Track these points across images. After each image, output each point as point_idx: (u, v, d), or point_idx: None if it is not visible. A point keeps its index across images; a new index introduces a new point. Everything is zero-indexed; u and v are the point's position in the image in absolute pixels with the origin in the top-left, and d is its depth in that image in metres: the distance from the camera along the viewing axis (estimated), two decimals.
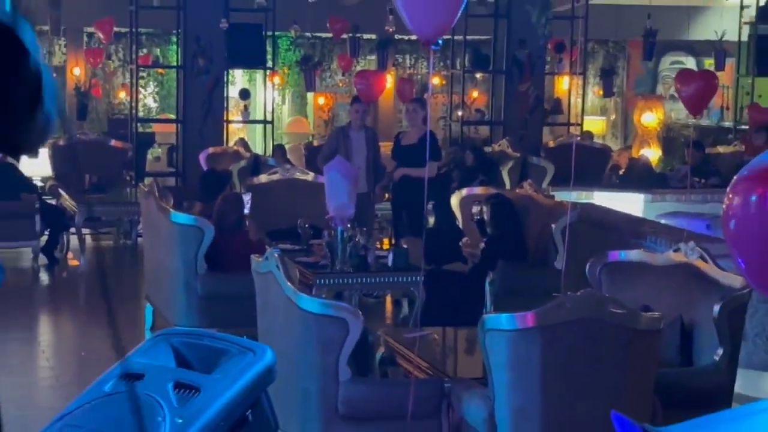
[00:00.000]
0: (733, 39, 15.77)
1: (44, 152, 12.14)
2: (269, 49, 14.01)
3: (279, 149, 13.08)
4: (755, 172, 3.20)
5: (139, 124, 14.88)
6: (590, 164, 12.48)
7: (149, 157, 14.69)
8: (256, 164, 11.14)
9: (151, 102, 17.34)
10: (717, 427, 2.44)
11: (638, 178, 12.51)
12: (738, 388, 5.68)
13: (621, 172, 13.37)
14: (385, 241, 8.78)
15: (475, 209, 8.48)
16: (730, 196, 3.29)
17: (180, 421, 3.15)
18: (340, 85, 18.46)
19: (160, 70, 16.63)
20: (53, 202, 11.48)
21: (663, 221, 8.72)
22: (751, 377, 6.40)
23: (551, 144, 13.64)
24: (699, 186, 11.06)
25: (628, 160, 14.20)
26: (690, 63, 17.33)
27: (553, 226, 7.86)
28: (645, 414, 4.86)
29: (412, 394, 5.04)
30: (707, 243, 6.21)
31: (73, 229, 11.36)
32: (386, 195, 10.26)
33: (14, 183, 10.06)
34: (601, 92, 18.49)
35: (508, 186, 10.97)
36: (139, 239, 10.71)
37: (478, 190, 9.06)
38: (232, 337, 3.63)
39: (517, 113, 14.00)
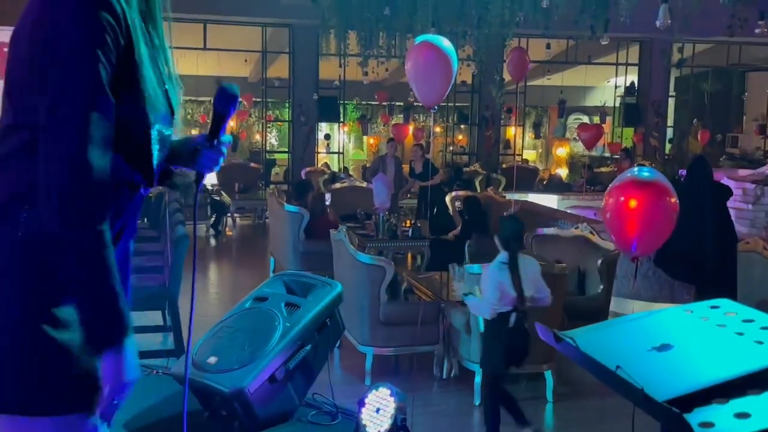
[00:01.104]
0: (610, 105, 18.67)
1: (214, 173, 14.40)
2: (341, 110, 16.55)
3: (346, 169, 15.52)
4: (619, 182, 3.98)
5: (266, 154, 17.67)
6: (526, 178, 14.53)
7: (273, 173, 16.88)
8: (333, 177, 12.76)
9: (273, 141, 19.58)
10: (601, 330, 2.32)
11: (554, 186, 14.74)
12: (611, 308, 6.10)
13: (544, 183, 15.70)
14: (408, 221, 9.41)
15: (457, 203, 9.21)
16: (606, 197, 3.99)
17: (288, 325, 3.15)
18: (382, 131, 20.78)
19: (279, 123, 18.95)
20: (217, 198, 12.87)
21: (569, 211, 8.89)
22: (618, 301, 6.70)
23: (504, 165, 16.12)
24: (589, 191, 12.32)
25: (548, 175, 16.91)
26: (585, 119, 19.41)
27: (504, 213, 7.84)
28: (556, 324, 4.82)
29: (421, 310, 5.53)
30: (594, 224, 6.80)
31: (228, 214, 13.07)
32: (407, 195, 11.47)
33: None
34: (533, 135, 21.69)
35: (478, 190, 11.53)
36: (267, 220, 11.64)
37: (460, 193, 9.66)
38: (318, 277, 3.59)
39: (484, 148, 16.37)
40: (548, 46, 14.03)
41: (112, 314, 1.52)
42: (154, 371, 3.74)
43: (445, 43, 4.99)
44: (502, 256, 4.48)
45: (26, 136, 1.51)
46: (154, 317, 6.36)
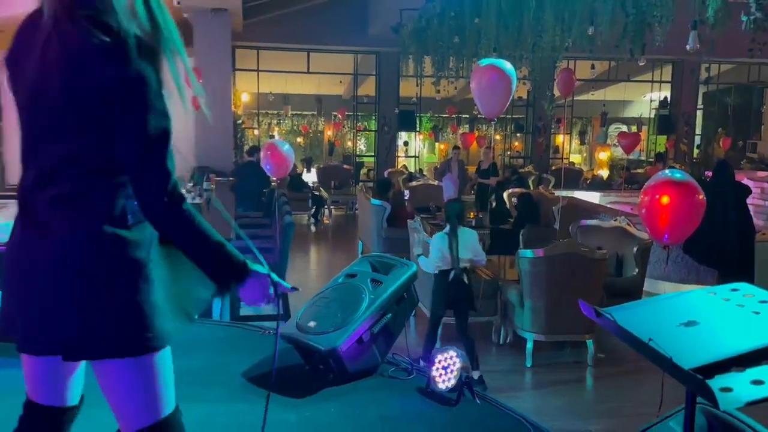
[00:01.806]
0: (646, 116, 18.21)
1: (314, 171, 14.25)
2: (417, 122, 16.37)
3: (421, 170, 15.28)
4: (654, 182, 3.93)
5: (356, 158, 17.64)
6: (572, 177, 14.14)
7: (361, 173, 16.81)
8: (410, 177, 12.57)
9: (362, 147, 19.60)
10: (636, 307, 2.22)
11: (596, 185, 14.22)
12: (645, 288, 5.95)
13: (588, 182, 15.11)
14: (472, 213, 8.98)
15: (513, 199, 9.14)
16: (643, 194, 3.96)
17: (373, 297, 3.16)
18: (451, 138, 20.52)
19: (367, 132, 18.95)
20: (317, 193, 13.01)
21: (609, 206, 8.65)
22: (651, 282, 6.47)
23: (553, 167, 15.59)
24: (627, 189, 11.97)
25: (591, 175, 16.15)
26: (624, 128, 18.75)
27: (553, 208, 8.25)
28: (597, 301, 4.99)
29: (482, 287, 5.49)
30: (630, 217, 6.62)
31: (326, 206, 13.13)
32: (472, 192, 11.37)
33: (259, 178, 8.77)
34: (579, 142, 20.98)
35: (531, 188, 11.33)
36: (356, 211, 11.39)
37: (516, 190, 9.64)
38: (398, 258, 3.60)
39: (537, 153, 16.02)
40: (593, 67, 13.75)
41: (228, 260, 1.60)
42: (266, 332, 3.79)
43: (507, 65, 4.93)
44: (447, 228, 4.79)
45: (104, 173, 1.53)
46: None
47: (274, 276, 1.69)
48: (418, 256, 5.07)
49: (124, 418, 1.61)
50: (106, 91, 1.44)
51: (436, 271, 4.81)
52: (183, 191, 1.58)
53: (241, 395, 2.99)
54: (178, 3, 10.79)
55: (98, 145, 1.49)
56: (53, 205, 1.53)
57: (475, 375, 4.59)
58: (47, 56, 1.47)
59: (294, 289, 1.80)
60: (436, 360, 3.00)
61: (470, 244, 4.83)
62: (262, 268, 1.67)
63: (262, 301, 1.70)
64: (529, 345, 5.15)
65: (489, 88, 4.87)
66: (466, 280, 4.78)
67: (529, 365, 5.10)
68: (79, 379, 1.73)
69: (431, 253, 4.92)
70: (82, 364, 1.71)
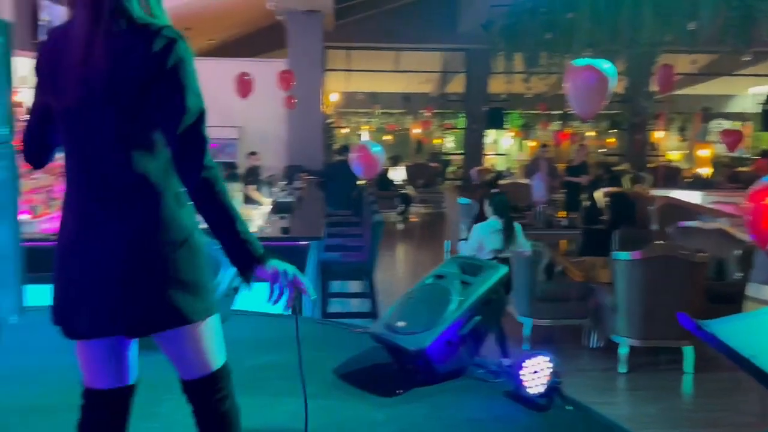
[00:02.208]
0: (750, 111, 17.00)
1: (402, 169, 14.45)
2: (507, 119, 16.28)
3: (509, 169, 15.09)
4: (760, 187, 3.50)
5: (444, 156, 17.68)
6: (670, 176, 13.73)
7: (448, 171, 16.85)
8: (499, 175, 12.25)
9: (450, 144, 19.55)
10: (739, 321, 2.17)
11: (697, 183, 13.23)
12: (747, 293, 5.43)
13: (688, 181, 14.22)
14: (563, 213, 9.11)
15: (607, 198, 8.69)
16: (747, 200, 3.54)
17: (461, 299, 3.15)
18: (541, 136, 19.86)
19: (454, 130, 18.86)
20: (404, 191, 13.26)
21: (711, 206, 8.19)
22: (754, 287, 5.83)
23: (650, 165, 14.95)
24: (730, 188, 11.31)
25: (692, 174, 15.32)
26: (726, 125, 17.52)
27: (650, 207, 8.05)
28: (697, 305, 4.83)
29: (574, 290, 5.60)
30: (733, 218, 6.44)
31: (413, 204, 13.35)
32: (561, 190, 10.76)
33: (348, 177, 8.56)
34: (679, 139, 19.66)
35: (626, 187, 10.36)
36: (443, 209, 11.41)
37: (610, 189, 9.08)
38: (487, 261, 3.73)
39: (633, 150, 15.40)
40: (694, 61, 13.16)
41: (249, 242, 1.69)
42: (356, 329, 3.84)
43: (605, 65, 4.80)
44: (495, 222, 5.12)
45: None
46: (356, 286, 6.59)
47: (298, 274, 1.76)
48: (462, 239, 5.36)
49: (184, 371, 1.81)
50: (151, 75, 1.60)
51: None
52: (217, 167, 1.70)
53: (332, 392, 3.05)
54: (273, 7, 11.09)
55: (145, 128, 1.65)
56: (111, 191, 1.67)
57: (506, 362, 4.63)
58: (90, 53, 1.62)
59: (310, 296, 1.84)
60: (526, 364, 2.98)
61: (519, 237, 5.22)
62: (283, 263, 1.74)
63: (275, 293, 1.74)
64: (623, 350, 5.05)
65: (584, 89, 4.76)
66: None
67: (622, 371, 4.99)
68: (135, 356, 1.85)
69: (469, 242, 5.24)
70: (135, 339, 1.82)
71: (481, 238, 5.13)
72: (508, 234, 5.12)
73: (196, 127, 1.64)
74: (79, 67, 1.63)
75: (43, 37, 8.26)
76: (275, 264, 1.71)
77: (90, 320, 1.70)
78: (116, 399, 1.82)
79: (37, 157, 1.86)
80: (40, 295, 4.34)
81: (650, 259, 4.93)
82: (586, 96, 4.77)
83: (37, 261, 4.16)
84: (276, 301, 1.75)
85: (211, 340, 1.80)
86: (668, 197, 8.52)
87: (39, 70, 1.75)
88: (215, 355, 1.82)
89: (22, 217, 4.11)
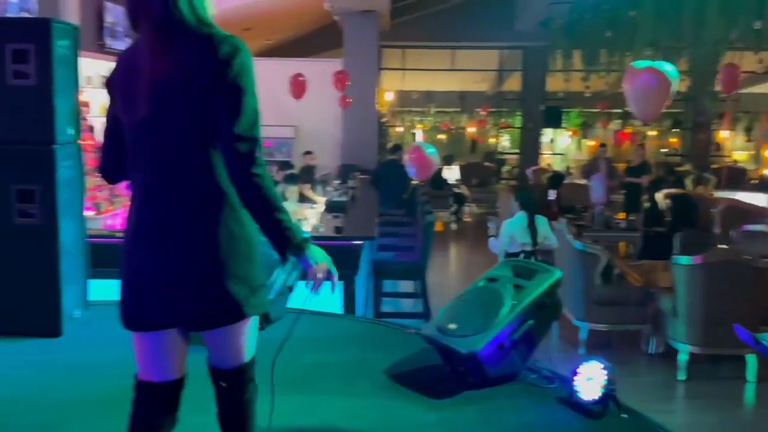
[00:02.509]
0: None
1: (456, 169, 14.37)
2: (564, 118, 16.06)
3: (568, 168, 14.68)
4: None
5: (498, 155, 17.46)
6: (735, 177, 13.16)
7: (503, 171, 16.70)
8: (558, 175, 11.46)
9: (505, 143, 19.29)
10: None
11: (764, 185, 12.67)
12: None
13: (753, 182, 13.66)
14: (622, 214, 8.84)
15: (668, 200, 8.36)
16: None
17: (515, 302, 3.13)
18: (600, 135, 19.35)
19: (510, 129, 18.66)
20: (458, 190, 13.04)
21: None
22: None
23: (714, 166, 14.34)
24: None
25: (759, 175, 14.71)
26: None
27: (713, 210, 7.83)
28: (759, 315, 4.70)
29: (632, 294, 5.45)
30: None
31: (467, 204, 13.19)
32: (621, 191, 10.45)
33: (401, 176, 8.67)
34: (746, 139, 18.76)
35: (689, 188, 10.16)
36: (498, 210, 10.93)
37: (672, 190, 8.76)
38: (542, 264, 3.55)
39: (696, 150, 14.86)
40: (760, 60, 12.66)
41: (291, 231, 1.80)
42: (408, 330, 3.85)
43: (666, 67, 4.67)
44: (523, 217, 5.57)
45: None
46: (408, 286, 6.58)
47: (331, 267, 1.86)
48: (490, 237, 5.84)
49: (221, 360, 1.94)
50: (218, 81, 1.73)
51: (503, 253, 5.52)
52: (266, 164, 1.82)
53: (383, 392, 3.07)
54: (330, 7, 11.20)
55: (213, 132, 1.76)
56: (181, 195, 1.79)
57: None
58: (159, 64, 1.75)
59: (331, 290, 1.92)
60: (580, 370, 2.94)
61: (543, 231, 5.66)
62: (321, 253, 1.84)
63: (316, 282, 1.84)
64: (683, 357, 4.96)
65: (645, 91, 4.65)
66: (534, 260, 5.37)
67: (681, 378, 4.90)
68: (186, 351, 1.96)
69: (500, 237, 5.69)
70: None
71: (511, 233, 5.58)
72: (532, 229, 5.55)
73: (252, 128, 1.75)
74: (150, 78, 1.76)
75: (108, 39, 8.50)
76: (313, 252, 1.82)
77: (158, 313, 1.82)
78: (168, 392, 1.91)
79: (111, 175, 2.02)
80: (104, 289, 4.52)
81: (712, 263, 4.83)
82: (646, 98, 4.67)
83: (100, 257, 4.33)
84: (315, 288, 1.84)
85: (253, 334, 1.95)
86: (733, 199, 8.32)
87: (111, 90, 1.90)
88: (251, 348, 1.96)
89: (86, 213, 4.21)
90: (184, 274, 1.79)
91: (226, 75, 1.72)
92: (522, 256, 5.53)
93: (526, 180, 13.38)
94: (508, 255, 5.56)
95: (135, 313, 1.86)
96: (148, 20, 1.77)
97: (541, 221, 5.73)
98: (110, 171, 2.01)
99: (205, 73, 1.73)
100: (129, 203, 1.91)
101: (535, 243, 5.55)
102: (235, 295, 1.79)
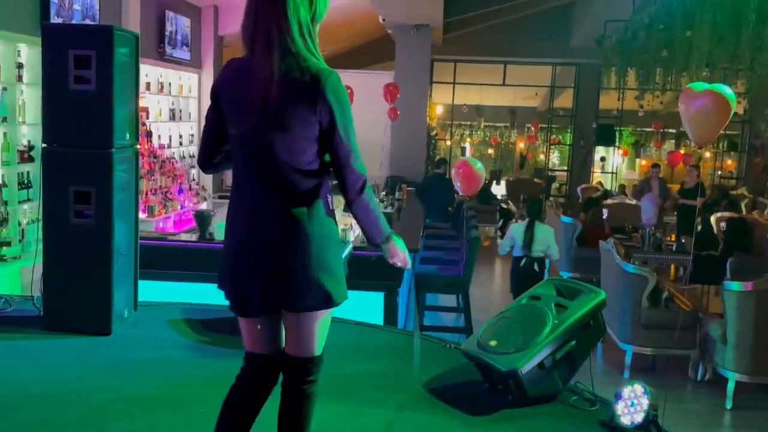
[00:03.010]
0: None
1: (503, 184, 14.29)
2: (617, 136, 15.84)
3: (622, 187, 14.11)
4: None
5: (548, 171, 17.23)
6: None
7: (552, 188, 16.53)
8: (606, 194, 11.84)
9: (555, 160, 19.10)
10: None
11: None
12: None
13: None
14: (672, 236, 8.66)
15: (722, 223, 8.49)
16: None
17: (557, 322, 3.10)
18: (654, 155, 18.94)
19: (561, 146, 18.52)
20: (505, 206, 12.96)
21: None
22: None
23: None
24: None
25: None
26: None
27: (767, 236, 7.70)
28: None
29: (681, 318, 5.30)
30: None
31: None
32: (674, 213, 10.30)
33: (446, 189, 9.14)
34: None
35: (744, 212, 10.44)
36: None
37: (725, 213, 8.99)
38: (586, 284, 3.44)
39: (752, 174, 14.56)
40: None
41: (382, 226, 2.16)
42: (448, 345, 3.83)
43: (726, 90, 4.55)
44: (526, 221, 6.24)
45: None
46: (450, 300, 6.59)
47: (407, 254, 2.23)
48: (499, 238, 6.30)
49: (298, 348, 2.15)
50: (318, 107, 1.99)
51: (505, 254, 6.40)
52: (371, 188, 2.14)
53: (422, 405, 3.07)
54: (383, 20, 11.30)
55: (306, 149, 2.03)
56: (276, 197, 2.06)
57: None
58: (269, 92, 1.99)
59: (405, 267, 2.26)
60: (623, 393, 2.89)
61: (544, 240, 6.14)
62: (401, 241, 2.21)
63: (398, 260, 2.20)
64: (731, 385, 4.88)
65: (702, 115, 4.52)
66: (536, 268, 6.15)
67: (729, 407, 4.82)
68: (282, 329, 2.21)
69: (505, 238, 6.41)
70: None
71: (512, 236, 6.27)
72: (528, 234, 6.13)
73: (353, 146, 2.06)
74: (259, 102, 2.00)
75: (168, 47, 8.72)
76: (396, 242, 2.19)
77: (259, 300, 2.08)
78: (272, 362, 2.18)
79: (208, 165, 2.25)
80: (153, 291, 4.64)
81: (764, 291, 4.78)
82: (703, 122, 4.53)
83: (151, 259, 4.45)
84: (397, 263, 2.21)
85: (327, 328, 2.17)
86: None
87: (218, 93, 2.11)
88: (322, 342, 2.17)
89: (140, 216, 4.33)
90: (273, 265, 2.06)
91: (326, 103, 1.99)
92: (524, 261, 6.15)
93: (576, 198, 13.20)
94: (515, 258, 6.28)
95: (238, 301, 2.16)
96: (269, 46, 1.98)
97: (544, 230, 6.19)
98: (207, 161, 2.24)
99: (306, 104, 1.98)
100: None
101: (528, 248, 6.09)
102: (325, 284, 2.05)
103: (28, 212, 6.01)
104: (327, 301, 2.07)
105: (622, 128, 16.41)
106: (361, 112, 10.44)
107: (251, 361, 2.20)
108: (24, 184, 5.98)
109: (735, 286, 4.88)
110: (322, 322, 2.13)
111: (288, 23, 1.97)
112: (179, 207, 8.50)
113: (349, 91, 9.73)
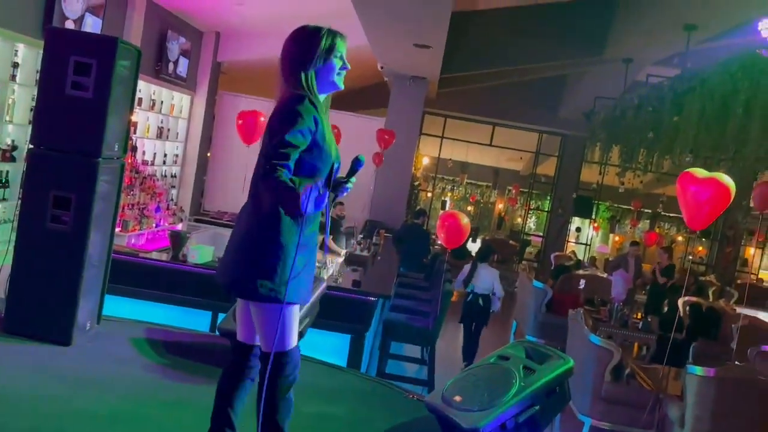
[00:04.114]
0: None
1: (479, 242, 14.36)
2: (594, 209, 16.07)
3: (593, 259, 14.40)
4: None
5: (524, 235, 17.45)
6: (759, 296, 12.09)
7: (526, 251, 16.66)
8: (578, 265, 11.53)
9: (532, 225, 19.29)
10: None
11: None
12: None
13: None
14: (639, 314, 8.73)
15: (688, 307, 8.30)
16: None
17: (523, 384, 3.11)
18: (628, 232, 19.34)
19: (539, 212, 18.81)
20: None
21: None
22: None
23: (738, 281, 13.93)
24: None
25: None
26: None
27: (733, 325, 7.70)
28: None
29: (652, 399, 5.32)
30: None
31: None
32: (643, 292, 10.36)
33: (422, 240, 9.48)
34: None
35: (710, 299, 10.05)
36: (515, 289, 10.85)
37: (693, 298, 8.75)
38: (555, 350, 3.46)
39: (722, 263, 14.73)
40: None
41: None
42: (412, 395, 3.81)
43: (726, 179, 4.64)
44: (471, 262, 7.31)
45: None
46: (415, 351, 6.55)
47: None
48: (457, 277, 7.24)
49: (262, 343, 2.43)
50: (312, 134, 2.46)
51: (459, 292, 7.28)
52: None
53: None
54: (381, 68, 11.48)
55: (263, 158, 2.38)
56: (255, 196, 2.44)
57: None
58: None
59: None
60: None
61: (487, 279, 7.16)
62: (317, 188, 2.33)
63: (312, 204, 2.26)
64: None
65: (702, 200, 4.57)
66: (481, 303, 7.19)
67: None
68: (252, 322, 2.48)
69: (459, 276, 7.22)
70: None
71: (464, 273, 7.20)
72: (470, 273, 7.19)
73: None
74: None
75: (165, 66, 8.71)
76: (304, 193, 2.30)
77: (221, 277, 2.44)
78: (246, 351, 2.51)
79: None
80: (118, 306, 4.55)
81: (726, 378, 4.72)
82: (701, 207, 4.60)
83: (120, 273, 4.38)
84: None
85: (280, 323, 2.33)
86: (754, 317, 8.05)
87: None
88: (285, 338, 2.37)
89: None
90: (233, 251, 2.44)
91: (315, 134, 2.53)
92: (471, 296, 7.24)
93: (549, 264, 13.30)
94: (466, 293, 7.32)
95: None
96: (284, 83, 2.47)
97: (489, 273, 7.18)
98: None
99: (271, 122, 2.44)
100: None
101: (468, 284, 7.14)
102: (252, 275, 2.32)
103: (1, 212, 5.93)
104: (249, 291, 2.33)
105: (600, 202, 16.73)
106: (349, 153, 10.69)
107: (234, 349, 2.56)
108: (1, 183, 5.91)
109: (698, 370, 4.83)
110: (268, 318, 2.34)
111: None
112: (154, 225, 8.42)
113: (335, 131, 9.63)
